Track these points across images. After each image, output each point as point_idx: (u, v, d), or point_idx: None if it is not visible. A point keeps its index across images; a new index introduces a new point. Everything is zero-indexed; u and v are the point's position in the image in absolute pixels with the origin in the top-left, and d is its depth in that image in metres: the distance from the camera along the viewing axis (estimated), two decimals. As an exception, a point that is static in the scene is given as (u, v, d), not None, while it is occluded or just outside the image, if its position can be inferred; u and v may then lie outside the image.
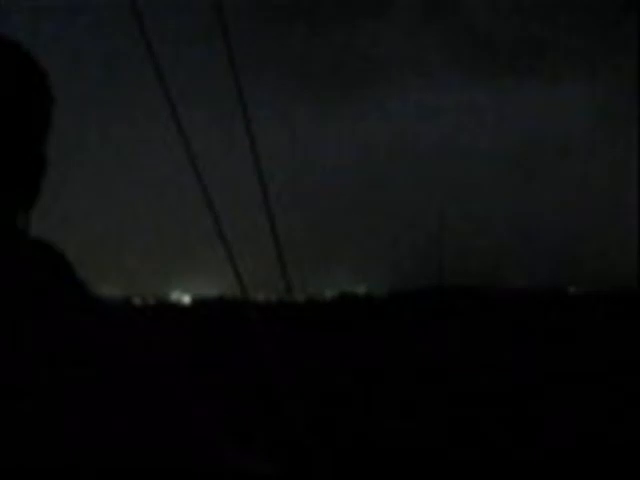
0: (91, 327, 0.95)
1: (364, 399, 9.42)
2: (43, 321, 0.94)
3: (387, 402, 9.32)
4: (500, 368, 11.95)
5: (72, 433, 0.98)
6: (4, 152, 0.97)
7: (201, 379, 1.07)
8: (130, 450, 0.99)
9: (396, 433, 7.59)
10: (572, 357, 13.12)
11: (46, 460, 0.99)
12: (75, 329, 0.94)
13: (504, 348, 14.69)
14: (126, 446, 1.00)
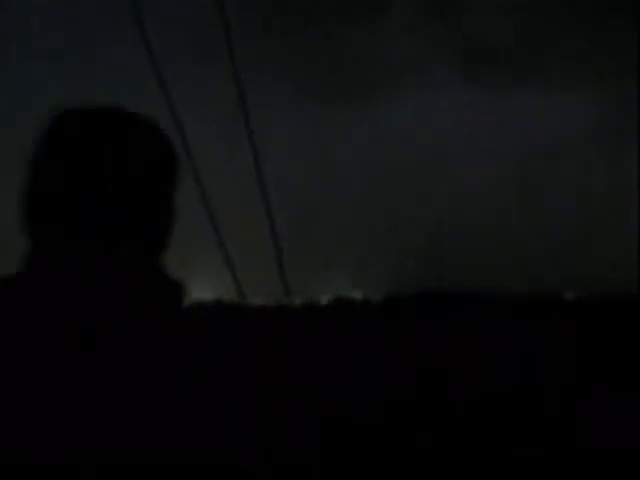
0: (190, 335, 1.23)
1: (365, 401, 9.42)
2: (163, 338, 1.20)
3: (385, 402, 9.32)
4: (498, 371, 11.95)
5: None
6: (145, 210, 1.28)
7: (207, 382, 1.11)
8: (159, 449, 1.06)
9: (395, 434, 7.58)
10: (573, 360, 13.12)
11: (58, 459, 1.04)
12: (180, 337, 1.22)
13: (502, 351, 14.69)
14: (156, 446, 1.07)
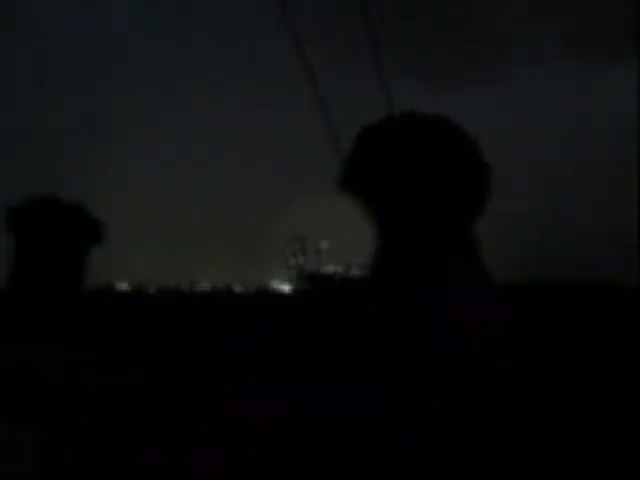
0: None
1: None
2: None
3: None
4: (601, 362, 11.68)
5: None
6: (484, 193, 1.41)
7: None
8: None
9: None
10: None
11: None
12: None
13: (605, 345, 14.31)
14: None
